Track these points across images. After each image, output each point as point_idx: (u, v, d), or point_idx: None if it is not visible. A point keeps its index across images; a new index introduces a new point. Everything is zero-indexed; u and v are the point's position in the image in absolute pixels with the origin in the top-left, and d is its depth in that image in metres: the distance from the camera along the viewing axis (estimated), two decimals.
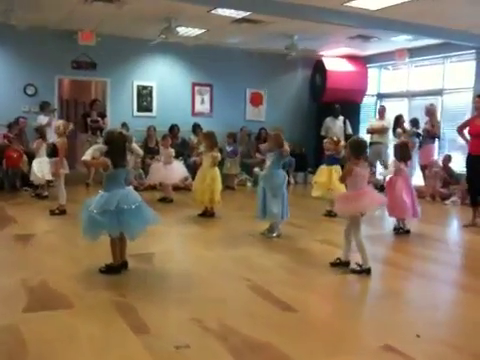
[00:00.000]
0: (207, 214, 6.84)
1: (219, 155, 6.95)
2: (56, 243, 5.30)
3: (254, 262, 4.72)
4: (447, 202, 8.85)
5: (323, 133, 10.93)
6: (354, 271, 4.33)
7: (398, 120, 9.79)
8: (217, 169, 6.90)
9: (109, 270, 4.16)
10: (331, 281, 4.21)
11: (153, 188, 8.73)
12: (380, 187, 8.20)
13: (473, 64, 9.39)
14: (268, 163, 5.74)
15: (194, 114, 11.10)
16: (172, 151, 8.13)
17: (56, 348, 2.82)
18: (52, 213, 6.78)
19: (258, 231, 5.85)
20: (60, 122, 7.21)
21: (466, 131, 6.91)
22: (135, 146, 7.54)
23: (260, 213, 5.71)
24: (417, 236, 6.24)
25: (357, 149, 4.46)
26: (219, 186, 6.82)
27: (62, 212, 6.80)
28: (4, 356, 2.72)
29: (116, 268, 4.17)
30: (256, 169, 10.31)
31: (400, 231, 6.23)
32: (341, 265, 4.45)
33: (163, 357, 2.75)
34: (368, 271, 4.27)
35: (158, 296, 3.70)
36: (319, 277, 4.33)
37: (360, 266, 4.32)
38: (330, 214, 6.86)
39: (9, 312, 3.33)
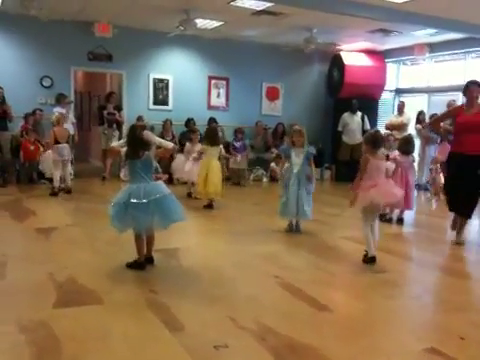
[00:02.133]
0: (210, 206, 6.98)
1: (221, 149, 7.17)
2: (79, 237, 5.21)
3: (281, 259, 4.62)
4: None
5: (340, 129, 10.82)
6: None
7: (419, 116, 9.65)
8: (217, 162, 7.01)
9: (134, 265, 4.08)
10: (363, 280, 4.09)
11: (184, 183, 8.37)
12: None
13: None
14: (298, 160, 5.53)
15: (210, 108, 10.98)
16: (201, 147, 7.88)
17: (90, 346, 2.73)
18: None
19: (278, 227, 5.75)
20: (57, 113, 7.99)
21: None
22: (150, 136, 7.46)
23: (294, 210, 5.54)
24: (431, 230, 6.15)
25: (373, 141, 4.47)
26: (219, 178, 6.94)
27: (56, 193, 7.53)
28: (36, 354, 2.64)
29: (140, 264, 4.09)
30: (273, 164, 10.24)
31: (384, 219, 6.34)
32: (369, 261, 4.42)
33: (202, 356, 2.66)
34: (372, 259, 4.39)
35: (189, 292, 3.61)
36: (350, 275, 4.23)
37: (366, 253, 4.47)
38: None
39: (39, 307, 3.25)
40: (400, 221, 6.48)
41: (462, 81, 10.07)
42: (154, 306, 3.30)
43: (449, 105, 9.46)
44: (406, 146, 6.43)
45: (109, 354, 2.67)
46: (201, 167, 7.03)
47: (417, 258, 5.10)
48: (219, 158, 7.15)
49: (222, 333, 2.93)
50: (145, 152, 4.09)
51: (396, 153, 6.47)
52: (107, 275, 3.94)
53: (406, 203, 6.24)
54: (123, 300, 3.42)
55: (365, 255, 4.48)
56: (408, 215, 6.73)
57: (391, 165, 6.01)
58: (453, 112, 5.75)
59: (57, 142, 7.61)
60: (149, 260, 4.18)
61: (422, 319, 3.33)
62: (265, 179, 10.54)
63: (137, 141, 4.12)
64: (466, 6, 7.12)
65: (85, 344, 2.76)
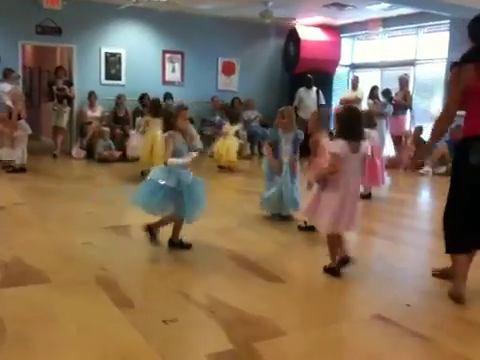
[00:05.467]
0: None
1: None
2: (27, 216, 5.05)
3: (235, 233, 4.61)
4: (421, 171, 8.95)
5: (296, 104, 10.82)
6: (300, 227, 4.60)
7: (373, 91, 9.79)
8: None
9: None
10: (316, 249, 4.14)
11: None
12: None
13: (447, 35, 9.36)
14: (287, 147, 4.90)
15: (165, 83, 10.78)
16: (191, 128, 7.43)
17: (36, 325, 2.66)
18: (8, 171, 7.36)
19: (235, 201, 5.74)
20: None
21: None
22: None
23: (282, 204, 4.98)
24: (390, 204, 6.30)
25: (323, 120, 4.50)
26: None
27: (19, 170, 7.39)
28: None
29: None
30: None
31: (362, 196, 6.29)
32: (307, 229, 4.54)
33: (151, 332, 2.63)
34: (312, 228, 4.26)
35: (140, 269, 3.58)
36: (303, 246, 4.29)
37: (305, 223, 4.52)
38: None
39: None
40: (368, 196, 6.28)
41: (413, 56, 10.31)
42: (103, 284, 3.23)
43: (401, 79, 9.65)
44: (370, 120, 6.17)
45: (56, 333, 2.60)
46: (145, 140, 6.99)
47: (372, 230, 5.16)
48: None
49: (172, 308, 2.91)
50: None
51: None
52: (56, 254, 3.84)
53: (375, 180, 6.17)
54: (72, 279, 3.35)
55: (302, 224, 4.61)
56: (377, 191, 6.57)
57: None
58: (462, 77, 3.05)
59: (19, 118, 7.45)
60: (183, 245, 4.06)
61: (371, 287, 3.40)
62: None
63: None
64: None
65: (31, 323, 2.68)
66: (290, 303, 3.10)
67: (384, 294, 3.28)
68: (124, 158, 8.75)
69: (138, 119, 7.84)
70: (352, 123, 3.39)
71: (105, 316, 2.81)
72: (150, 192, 3.79)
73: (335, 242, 3.53)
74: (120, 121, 9.85)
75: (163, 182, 3.75)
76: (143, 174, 7.54)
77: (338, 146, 3.34)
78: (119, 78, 10.33)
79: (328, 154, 3.51)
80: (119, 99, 9.86)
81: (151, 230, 4.09)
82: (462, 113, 3.20)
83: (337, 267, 3.48)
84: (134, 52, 10.37)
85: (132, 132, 8.39)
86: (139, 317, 2.79)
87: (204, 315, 2.83)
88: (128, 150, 8.34)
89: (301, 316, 2.87)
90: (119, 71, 10.32)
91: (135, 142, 7.57)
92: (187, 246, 4.01)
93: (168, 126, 3.87)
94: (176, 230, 4.02)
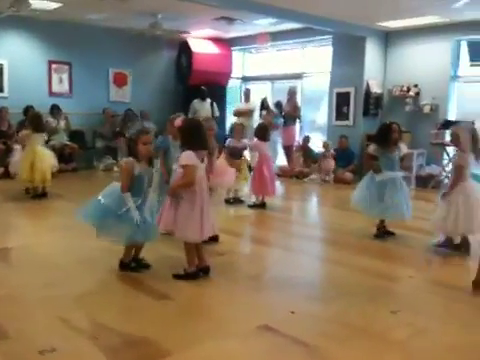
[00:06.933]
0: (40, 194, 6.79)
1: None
2: None
3: (121, 250, 4.45)
4: (306, 180, 9.35)
5: (190, 115, 10.84)
6: None
7: (263, 103, 10.08)
8: (43, 148, 6.82)
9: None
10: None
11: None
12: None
13: (330, 49, 9.90)
14: (177, 154, 4.80)
15: (52, 94, 10.28)
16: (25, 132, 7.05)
17: None
18: None
19: None
20: None
21: None
22: None
23: None
24: (281, 212, 6.50)
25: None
26: (48, 165, 6.74)
27: None
28: None
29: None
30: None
31: (254, 205, 6.51)
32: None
33: None
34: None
35: (18, 295, 3.32)
36: None
37: None
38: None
39: None
40: (262, 205, 6.51)
41: (300, 69, 10.78)
42: None
43: (290, 91, 10.04)
44: (264, 132, 6.52)
45: None
46: (26, 155, 6.68)
47: (264, 239, 5.27)
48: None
49: (50, 336, 2.73)
50: None
51: (255, 140, 6.59)
52: None
53: (265, 190, 6.42)
54: None
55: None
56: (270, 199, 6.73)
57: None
58: None
59: None
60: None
61: (259, 297, 3.45)
62: (116, 168, 10.18)
63: None
64: None
65: None
66: (177, 320, 3.04)
67: (272, 304, 3.34)
68: (7, 175, 8.18)
69: (20, 133, 7.37)
70: (195, 134, 3.56)
71: None
72: (94, 207, 3.66)
73: (193, 248, 3.66)
74: (2, 135, 9.21)
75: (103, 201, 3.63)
76: (28, 192, 7.14)
77: (189, 158, 3.45)
78: (1, 90, 9.68)
79: (179, 167, 3.62)
80: (1, 112, 9.22)
81: (128, 263, 3.86)
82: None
83: (196, 272, 3.64)
84: (17, 63, 9.75)
85: (16, 147, 7.88)
86: (13, 348, 2.59)
87: (86, 341, 2.69)
88: (10, 166, 7.81)
89: (187, 334, 2.82)
90: (1, 82, 9.66)
91: (17, 157, 7.12)
92: (146, 266, 3.89)
93: (129, 152, 3.67)
94: (138, 249, 3.90)
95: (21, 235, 5.08)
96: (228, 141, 6.69)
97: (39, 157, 6.65)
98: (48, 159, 6.82)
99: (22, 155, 6.81)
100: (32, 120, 6.85)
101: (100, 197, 3.67)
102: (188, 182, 3.47)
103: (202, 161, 3.60)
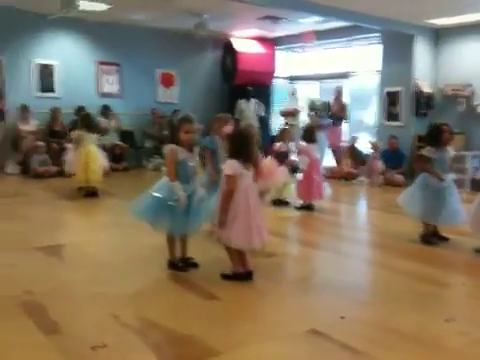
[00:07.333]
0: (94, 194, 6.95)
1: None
2: None
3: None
4: (354, 181, 9.17)
5: (237, 116, 10.85)
6: None
7: (312, 103, 10.00)
8: (96, 148, 7.00)
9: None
10: (253, 264, 4.11)
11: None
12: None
13: (380, 47, 9.70)
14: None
15: (102, 95, 10.53)
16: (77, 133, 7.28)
17: None
18: None
19: None
20: None
21: None
22: None
23: None
24: (328, 214, 6.40)
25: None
26: (99, 165, 6.92)
27: None
28: None
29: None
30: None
31: (302, 208, 6.41)
32: None
33: (78, 358, 2.51)
34: None
35: (69, 291, 3.41)
36: None
37: None
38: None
39: None
40: (310, 208, 6.42)
41: (347, 68, 10.61)
42: (28, 308, 3.07)
43: (336, 91, 9.91)
44: (310, 134, 6.43)
45: None
46: (79, 155, 6.83)
47: (312, 242, 5.20)
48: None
49: (101, 332, 2.78)
50: None
51: (302, 143, 6.46)
52: None
53: (313, 194, 6.33)
54: None
55: None
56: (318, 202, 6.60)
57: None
58: None
59: None
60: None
61: (308, 300, 3.41)
62: (164, 167, 10.30)
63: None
64: None
65: None
66: (224, 321, 3.04)
67: (320, 307, 3.29)
68: (62, 173, 8.42)
69: (73, 133, 7.57)
70: (243, 145, 3.52)
71: (28, 343, 2.65)
72: (146, 203, 3.71)
73: (235, 252, 3.63)
74: (56, 135, 9.53)
75: (156, 194, 3.66)
76: (80, 190, 7.32)
77: (233, 167, 3.45)
78: (53, 90, 9.99)
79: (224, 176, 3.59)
80: (54, 112, 9.53)
81: (176, 263, 3.91)
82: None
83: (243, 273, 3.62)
84: (68, 63, 10.06)
85: (69, 146, 8.10)
86: (66, 343, 2.65)
87: (135, 338, 2.73)
88: (65, 165, 8.03)
89: (233, 334, 2.82)
90: (52, 83, 9.97)
91: (70, 156, 7.30)
92: (194, 265, 3.92)
93: (171, 140, 3.75)
94: (183, 248, 3.93)
95: (73, 232, 5.23)
96: (277, 145, 6.63)
97: (92, 157, 6.82)
98: (100, 159, 6.99)
99: (76, 155, 6.94)
100: (84, 120, 7.04)
101: (151, 191, 3.72)
102: (228, 191, 3.47)
103: (248, 169, 3.55)
